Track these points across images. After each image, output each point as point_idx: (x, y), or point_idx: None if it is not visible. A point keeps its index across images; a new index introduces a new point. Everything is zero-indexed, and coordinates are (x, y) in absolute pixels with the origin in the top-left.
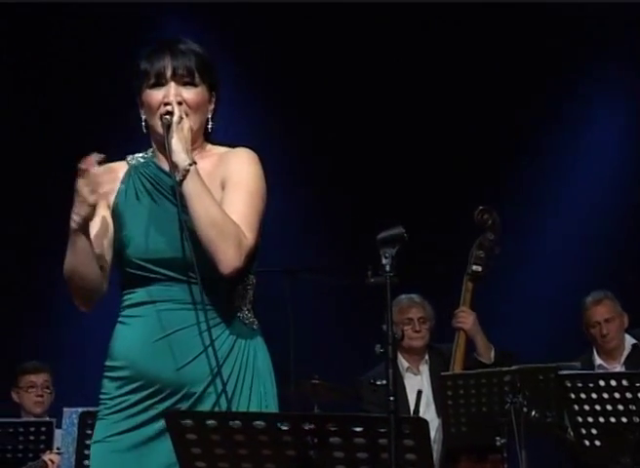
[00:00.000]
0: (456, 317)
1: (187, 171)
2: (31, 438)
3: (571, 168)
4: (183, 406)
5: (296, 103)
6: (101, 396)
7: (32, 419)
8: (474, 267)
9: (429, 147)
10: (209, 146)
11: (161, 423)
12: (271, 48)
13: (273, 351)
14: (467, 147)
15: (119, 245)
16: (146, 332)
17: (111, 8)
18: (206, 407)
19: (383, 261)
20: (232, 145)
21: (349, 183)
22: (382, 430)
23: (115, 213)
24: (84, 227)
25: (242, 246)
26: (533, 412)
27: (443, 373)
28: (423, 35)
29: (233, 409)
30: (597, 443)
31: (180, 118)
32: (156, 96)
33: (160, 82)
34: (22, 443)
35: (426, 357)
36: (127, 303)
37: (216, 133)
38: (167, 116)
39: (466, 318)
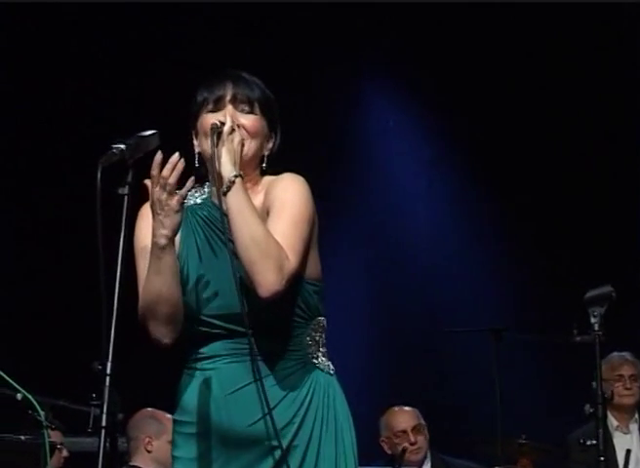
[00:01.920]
0: None
1: (232, 182)
2: None
3: None
4: (268, 460)
5: (499, 162)
6: (174, 453)
7: None
8: None
9: (634, 205)
10: (261, 181)
11: None
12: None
13: (480, 410)
14: None
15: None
16: (217, 387)
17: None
18: (295, 460)
19: (592, 320)
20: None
21: (554, 242)
22: None
23: (179, 260)
24: (172, 241)
25: (284, 269)
26: None
27: None
28: None
29: (320, 462)
30: None
31: (232, 129)
32: (212, 118)
33: (218, 107)
34: None
35: (636, 415)
36: (194, 357)
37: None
38: (216, 122)
39: None
